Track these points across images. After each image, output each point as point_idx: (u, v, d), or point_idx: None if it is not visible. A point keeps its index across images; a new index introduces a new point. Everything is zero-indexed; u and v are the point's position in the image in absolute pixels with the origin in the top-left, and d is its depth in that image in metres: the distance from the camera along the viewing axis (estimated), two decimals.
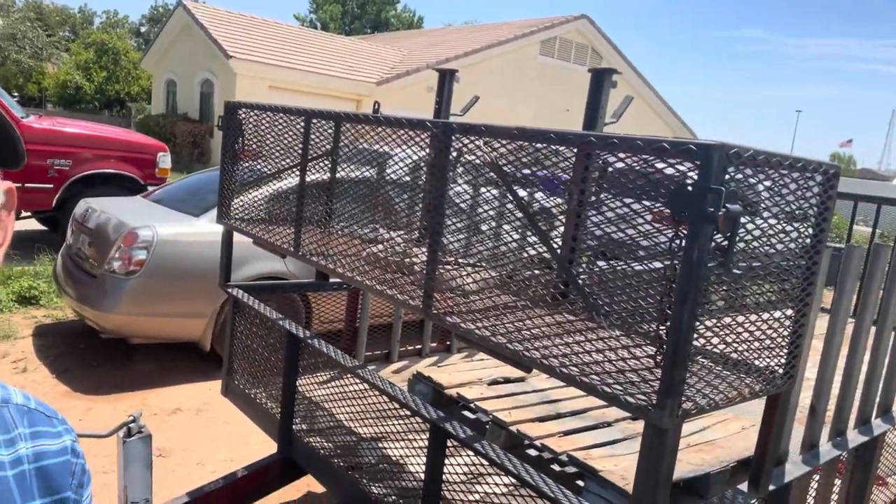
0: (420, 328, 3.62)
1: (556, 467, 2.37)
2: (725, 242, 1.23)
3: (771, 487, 1.68)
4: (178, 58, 19.85)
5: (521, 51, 20.38)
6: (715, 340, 1.40)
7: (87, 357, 4.85)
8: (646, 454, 1.32)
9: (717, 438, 2.61)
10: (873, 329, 2.11)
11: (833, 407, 2.07)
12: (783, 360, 1.58)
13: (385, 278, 2.02)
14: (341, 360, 2.20)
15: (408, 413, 2.01)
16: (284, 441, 2.52)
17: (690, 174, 1.22)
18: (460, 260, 1.86)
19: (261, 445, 3.09)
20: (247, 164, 2.74)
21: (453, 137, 1.71)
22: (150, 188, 6.80)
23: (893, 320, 2.18)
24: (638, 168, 1.37)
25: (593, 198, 1.68)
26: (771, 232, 1.43)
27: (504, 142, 1.62)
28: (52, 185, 7.13)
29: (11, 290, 5.87)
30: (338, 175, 2.29)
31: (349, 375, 2.48)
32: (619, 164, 1.41)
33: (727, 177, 1.20)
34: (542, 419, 2.69)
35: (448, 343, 3.63)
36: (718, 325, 1.36)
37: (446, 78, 2.48)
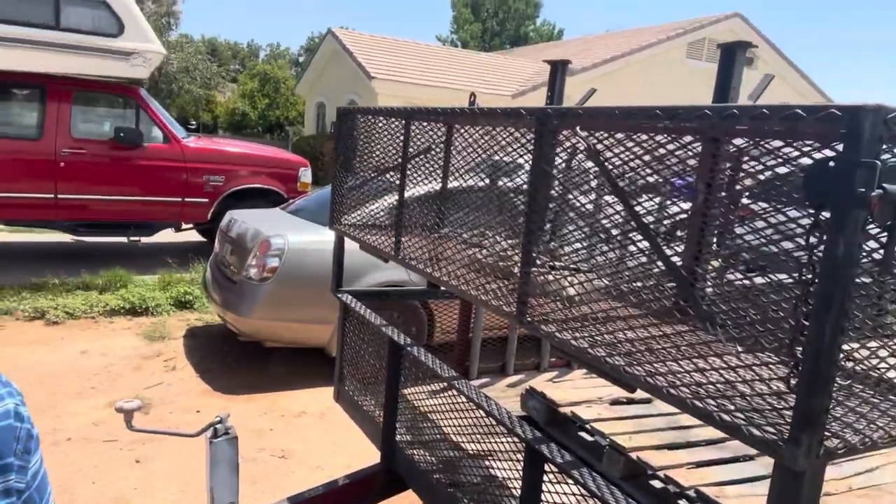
0: (538, 341, 3.41)
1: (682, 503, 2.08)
2: (885, 234, 0.95)
3: None
4: (327, 82, 21.15)
5: (666, 54, 19.40)
6: (873, 362, 1.10)
7: (228, 359, 5.15)
8: (775, 502, 1.05)
9: (888, 483, 2.17)
10: None
11: None
12: None
13: (482, 283, 1.87)
14: (438, 369, 2.08)
15: (503, 431, 1.83)
16: (387, 451, 2.44)
17: (832, 148, 0.95)
18: (559, 264, 1.67)
19: (376, 454, 3.05)
20: (358, 170, 2.72)
21: (550, 126, 1.53)
22: (289, 201, 7.18)
23: None
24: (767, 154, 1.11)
25: (721, 193, 1.42)
26: None
27: (605, 133, 1.42)
28: (207, 200, 7.76)
29: (170, 295, 6.42)
30: (438, 175, 2.19)
31: (451, 388, 2.35)
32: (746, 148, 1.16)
33: (884, 148, 0.92)
34: (669, 447, 2.38)
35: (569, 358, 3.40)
36: (874, 344, 1.06)
37: (558, 69, 2.30)
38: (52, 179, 7.07)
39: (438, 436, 2.32)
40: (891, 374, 1.13)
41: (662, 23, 22.43)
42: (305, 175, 8.33)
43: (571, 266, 1.58)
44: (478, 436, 2.10)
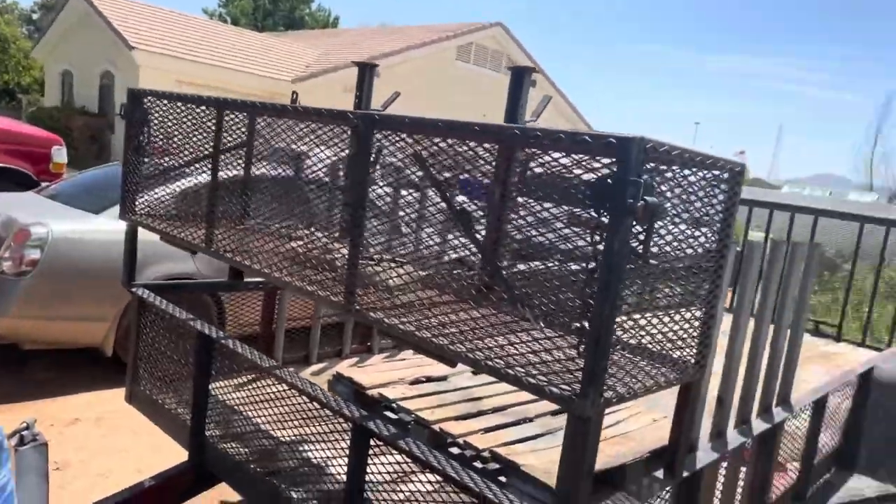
0: (340, 330, 3.54)
1: (478, 464, 2.37)
2: (644, 233, 1.27)
3: (684, 474, 1.74)
4: (75, 48, 18.63)
5: (439, 55, 20.51)
6: (632, 333, 1.44)
7: None
8: (569, 444, 1.33)
9: (631, 430, 2.70)
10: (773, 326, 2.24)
11: (738, 398, 2.18)
12: (694, 352, 1.65)
13: (305, 275, 1.95)
14: (259, 360, 2.12)
15: (328, 414, 1.95)
16: (195, 448, 2.39)
17: (609, 168, 1.25)
18: (383, 255, 1.83)
19: (173, 456, 2.92)
20: (153, 157, 2.59)
21: (375, 130, 1.67)
22: (43, 184, 6.33)
23: (788, 318, 2.32)
24: (559, 167, 1.39)
25: (515, 194, 1.69)
26: (680, 231, 1.49)
27: (424, 137, 1.61)
28: None
29: None
30: (254, 170, 2.20)
31: (265, 378, 2.39)
32: (541, 162, 1.42)
33: (645, 169, 1.23)
34: (464, 417, 2.69)
35: (369, 344, 3.58)
36: (635, 318, 1.40)
37: (367, 72, 2.44)
38: None
39: (251, 427, 2.34)
40: (643, 342, 1.49)
41: (433, 23, 23.62)
42: (60, 155, 7.37)
43: (395, 259, 1.74)
44: (295, 422, 2.18)
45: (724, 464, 2.17)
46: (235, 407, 2.41)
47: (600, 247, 1.25)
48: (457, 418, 2.67)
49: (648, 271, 1.35)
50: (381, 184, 1.80)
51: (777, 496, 2.54)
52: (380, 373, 3.13)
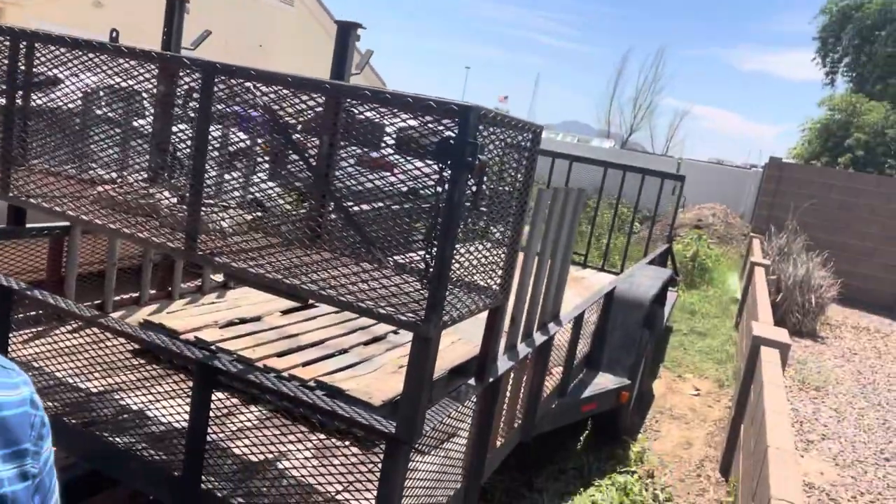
0: (137, 274, 3.38)
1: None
2: (475, 185, 1.54)
3: (490, 380, 2.13)
4: None
5: None
6: (456, 266, 1.73)
7: None
8: (415, 360, 1.60)
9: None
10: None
11: (524, 318, 2.64)
12: (499, 281, 2.00)
13: (131, 221, 1.92)
14: (78, 310, 2.04)
15: (158, 358, 1.98)
16: None
17: (451, 130, 1.49)
18: (221, 203, 1.88)
19: None
20: None
21: (214, 78, 1.70)
22: None
23: (560, 251, 2.83)
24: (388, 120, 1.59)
25: (343, 144, 1.87)
26: (499, 178, 1.80)
27: (265, 87, 1.69)
28: None
29: None
30: (50, 104, 2.04)
31: (72, 325, 2.28)
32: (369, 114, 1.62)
33: (480, 131, 1.50)
34: (284, 353, 2.83)
35: (170, 289, 3.48)
36: (463, 255, 1.69)
37: (175, 6, 2.34)
38: None
39: (60, 379, 2.25)
40: (465, 275, 1.79)
41: None
42: None
43: (236, 204, 1.81)
44: (113, 369, 2.15)
45: (513, 371, 2.63)
46: (40, 359, 2.28)
47: (443, 195, 1.50)
48: (277, 355, 2.81)
49: (475, 217, 1.64)
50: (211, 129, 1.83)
51: (546, 394, 3.13)
52: (192, 317, 3.10)
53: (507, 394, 2.61)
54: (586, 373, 3.89)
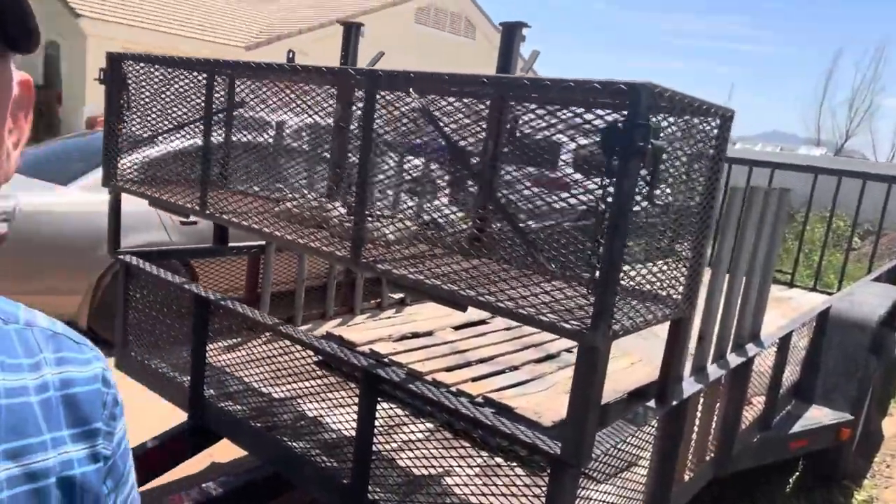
0: (323, 292, 3.58)
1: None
2: (650, 175, 1.35)
3: (673, 403, 1.88)
4: None
5: (398, 17, 20.14)
6: (633, 273, 1.54)
7: None
8: (580, 374, 1.43)
9: (611, 373, 2.86)
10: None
11: (715, 336, 2.33)
12: (683, 290, 1.76)
13: (307, 233, 1.99)
14: (262, 319, 2.16)
15: (333, 367, 2.02)
16: (195, 408, 2.43)
17: (619, 113, 1.32)
18: (386, 212, 1.89)
19: (163, 418, 2.95)
20: (136, 122, 2.56)
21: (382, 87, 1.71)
22: None
23: (759, 261, 2.47)
24: (563, 115, 1.46)
25: (509, 148, 1.76)
26: (680, 172, 1.59)
27: (432, 93, 1.66)
28: None
29: None
30: (244, 132, 2.21)
31: (264, 336, 2.43)
32: (540, 114, 1.50)
33: (653, 114, 1.32)
34: (453, 368, 2.79)
35: (352, 305, 3.64)
36: (636, 259, 1.50)
37: (352, 32, 2.45)
38: None
39: (251, 385, 2.40)
40: (641, 282, 1.59)
41: None
42: None
43: (400, 215, 1.80)
44: (296, 377, 2.24)
45: (702, 396, 2.32)
46: (234, 366, 2.46)
47: (610, 189, 1.34)
48: (447, 369, 2.77)
49: (651, 213, 1.45)
50: (381, 143, 1.84)
51: (745, 426, 2.73)
52: (368, 330, 3.20)
53: (696, 422, 2.31)
54: (796, 404, 3.37)
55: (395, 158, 1.93)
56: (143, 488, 2.47)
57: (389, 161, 1.89)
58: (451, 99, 1.66)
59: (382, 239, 1.85)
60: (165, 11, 17.48)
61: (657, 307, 1.65)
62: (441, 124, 1.67)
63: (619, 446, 1.71)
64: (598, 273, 1.37)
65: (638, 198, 1.36)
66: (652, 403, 1.85)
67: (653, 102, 1.30)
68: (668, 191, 1.52)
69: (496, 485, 1.71)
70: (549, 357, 3.02)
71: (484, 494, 1.71)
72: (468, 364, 2.89)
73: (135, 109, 2.55)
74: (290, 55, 2.16)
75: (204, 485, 2.14)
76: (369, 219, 1.83)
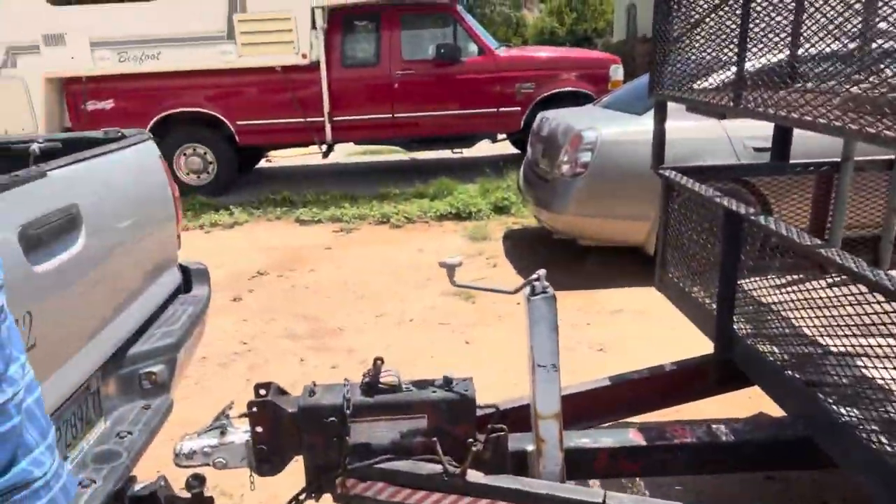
0: None
1: None
2: None
3: None
4: None
5: None
6: None
7: (545, 258, 5.22)
8: None
9: None
10: None
11: None
12: None
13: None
14: (801, 240, 1.68)
15: None
16: (722, 341, 2.13)
17: None
18: None
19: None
20: (683, 26, 2.33)
21: None
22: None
23: None
24: None
25: None
26: None
27: None
28: (519, 108, 7.87)
29: (489, 200, 6.77)
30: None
31: (826, 278, 1.91)
32: None
33: None
34: None
35: None
36: None
37: None
38: (389, 101, 7.88)
39: (793, 328, 1.92)
40: None
41: None
42: (617, 72, 7.88)
43: None
44: (864, 333, 1.65)
45: None
46: (773, 303, 2.03)
47: None
48: None
49: None
50: None
51: None
52: None
53: None
54: None
55: None
56: (653, 414, 2.34)
57: None
58: None
59: None
60: None
61: None
62: None
63: None
64: None
65: None
66: None
67: None
68: None
69: None
70: None
71: None
72: None
73: (683, 10, 2.32)
74: None
75: (715, 426, 1.85)
76: None
